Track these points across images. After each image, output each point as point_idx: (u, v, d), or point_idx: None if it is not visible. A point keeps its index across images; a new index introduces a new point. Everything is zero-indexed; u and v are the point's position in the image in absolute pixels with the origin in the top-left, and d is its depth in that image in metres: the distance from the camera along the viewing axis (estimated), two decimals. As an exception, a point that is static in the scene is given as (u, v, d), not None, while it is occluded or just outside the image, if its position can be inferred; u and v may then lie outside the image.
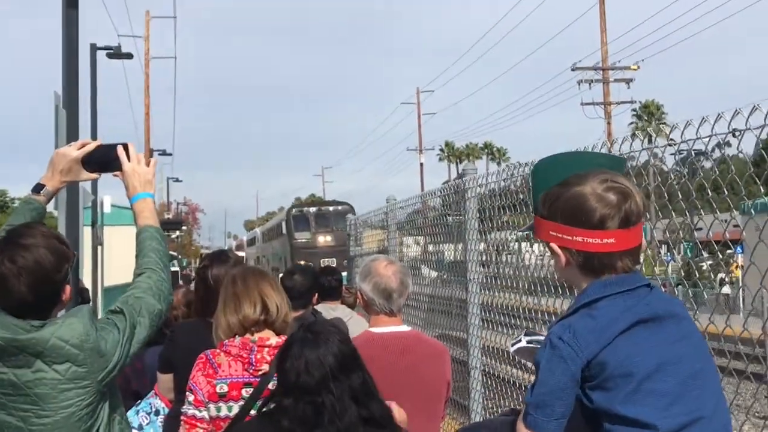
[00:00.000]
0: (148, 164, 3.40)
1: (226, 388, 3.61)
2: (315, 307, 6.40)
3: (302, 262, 33.40)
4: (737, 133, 3.63)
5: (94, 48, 21.81)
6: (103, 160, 3.37)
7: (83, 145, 3.40)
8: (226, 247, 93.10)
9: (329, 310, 6.44)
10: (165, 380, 4.64)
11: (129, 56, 25.23)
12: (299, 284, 5.81)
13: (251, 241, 70.07)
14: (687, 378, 2.22)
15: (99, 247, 21.37)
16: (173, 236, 72.34)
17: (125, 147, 3.37)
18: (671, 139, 4.10)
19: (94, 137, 20.94)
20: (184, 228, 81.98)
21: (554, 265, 2.46)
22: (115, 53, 23.96)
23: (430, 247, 9.27)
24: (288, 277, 5.89)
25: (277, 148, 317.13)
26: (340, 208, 40.89)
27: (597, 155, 2.87)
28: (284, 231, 42.55)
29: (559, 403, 2.25)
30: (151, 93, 46.65)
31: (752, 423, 12.65)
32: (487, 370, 6.50)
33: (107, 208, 20.94)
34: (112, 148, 3.36)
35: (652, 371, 2.19)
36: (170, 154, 50.49)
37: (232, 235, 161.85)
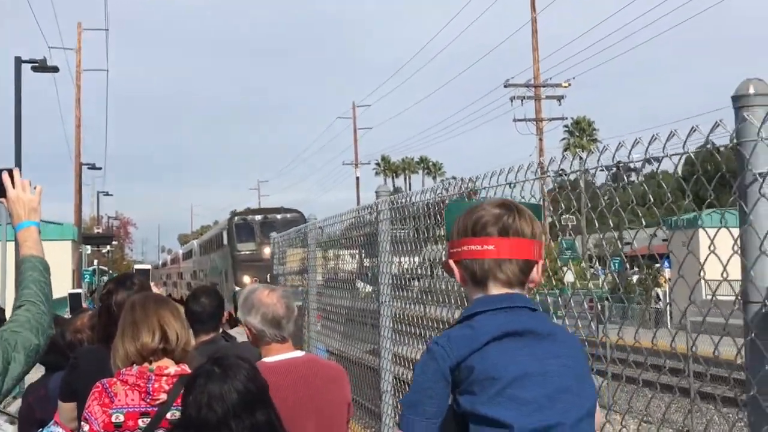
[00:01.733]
0: (34, 191, 3.28)
1: (122, 418, 3.52)
2: (232, 329, 6.26)
3: (247, 278, 31.42)
4: (653, 161, 3.69)
5: (19, 61, 21.39)
6: None
7: None
8: (160, 262, 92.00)
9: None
10: (67, 409, 4.39)
11: (55, 69, 24.62)
12: (206, 306, 5.58)
13: (187, 254, 64.15)
14: (554, 392, 2.25)
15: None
16: (104, 251, 71.34)
17: (10, 173, 3.25)
18: (602, 167, 4.13)
19: (18, 153, 20.51)
20: (114, 242, 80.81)
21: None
22: (41, 66, 23.39)
23: (366, 262, 9.24)
24: (193, 300, 5.63)
25: (213, 162, 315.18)
26: (288, 216, 36.44)
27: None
28: (225, 242, 38.06)
29: (429, 402, 2.32)
30: (82, 106, 45.94)
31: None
32: (399, 376, 6.52)
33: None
34: None
35: (517, 378, 2.24)
36: (99, 168, 49.63)
37: (166, 249, 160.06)
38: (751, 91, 2.69)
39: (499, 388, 2.23)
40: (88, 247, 52.10)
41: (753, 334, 2.68)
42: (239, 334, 6.16)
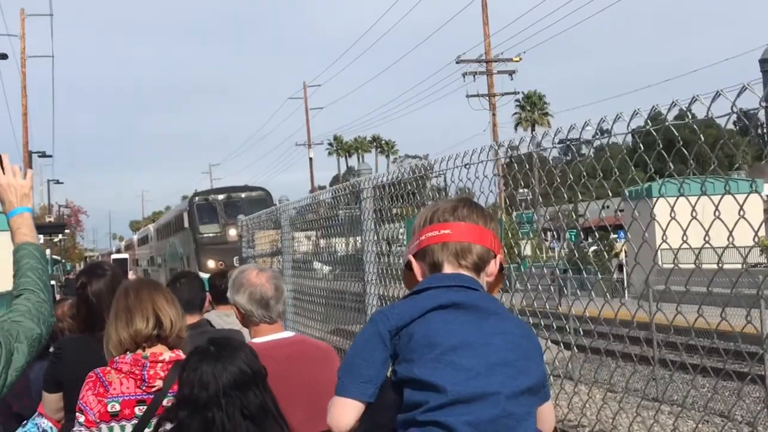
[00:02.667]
0: (25, 176, 3.22)
1: (118, 407, 3.50)
2: (208, 314, 6.23)
3: (212, 263, 29.94)
4: (604, 134, 3.77)
5: (-36, 49, 20.96)
6: None
7: None
8: (113, 249, 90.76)
9: (223, 316, 6.20)
10: (52, 400, 4.37)
11: (4, 57, 24.31)
12: (189, 290, 5.55)
13: (143, 240, 61.47)
14: (495, 363, 2.26)
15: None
16: (56, 240, 70.36)
17: None
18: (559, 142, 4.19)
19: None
20: (67, 231, 79.70)
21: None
22: (-11, 54, 23.03)
23: (322, 242, 9.24)
24: (174, 284, 5.60)
25: (163, 147, 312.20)
26: (254, 194, 34.12)
27: None
28: (186, 224, 35.04)
29: (365, 364, 2.32)
30: (29, 93, 45.15)
31: (643, 405, 13.08)
32: None
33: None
34: None
35: (457, 346, 2.26)
36: (50, 156, 48.91)
37: (117, 237, 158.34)
38: None
39: (438, 353, 2.24)
40: (41, 236, 51.21)
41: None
42: (218, 316, 6.16)
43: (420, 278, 2.46)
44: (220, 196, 34.71)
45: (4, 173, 3.15)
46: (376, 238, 6.40)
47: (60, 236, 69.88)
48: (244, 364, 3.21)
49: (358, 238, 7.22)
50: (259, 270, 4.21)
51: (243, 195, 33.87)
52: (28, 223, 3.12)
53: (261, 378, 3.27)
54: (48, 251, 61.15)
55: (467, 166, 4.77)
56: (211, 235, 33.42)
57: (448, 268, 2.41)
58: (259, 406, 3.19)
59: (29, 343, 2.83)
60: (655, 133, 3.58)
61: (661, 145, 3.60)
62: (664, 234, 3.48)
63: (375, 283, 6.40)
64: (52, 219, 69.22)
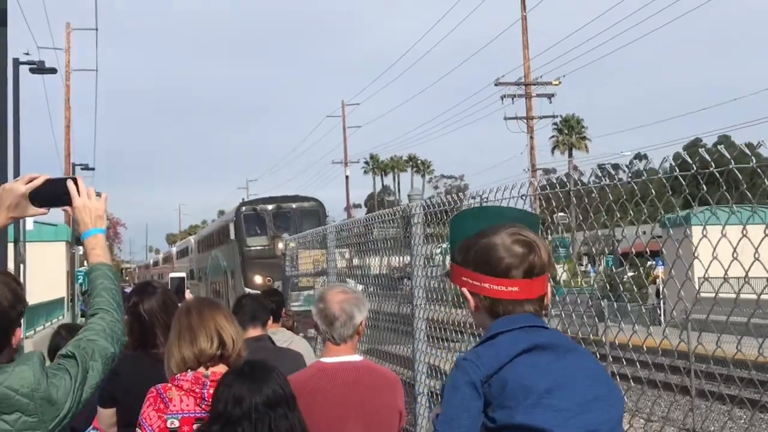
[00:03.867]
0: (98, 198, 3.30)
1: (177, 423, 3.56)
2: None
3: (259, 278, 27.48)
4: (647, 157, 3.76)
5: (16, 63, 21.21)
6: (52, 194, 3.25)
7: (31, 180, 3.25)
8: (150, 262, 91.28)
9: (270, 334, 6.24)
10: (107, 415, 4.45)
11: (53, 71, 24.64)
12: (251, 305, 5.78)
13: (182, 252, 58.46)
14: (588, 401, 2.33)
15: (21, 265, 20.86)
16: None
17: (75, 181, 3.27)
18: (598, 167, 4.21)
19: (17, 156, 20.47)
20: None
21: (466, 308, 2.62)
22: (39, 68, 23.38)
23: (356, 261, 9.26)
24: (239, 302, 5.86)
25: (201, 161, 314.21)
26: (306, 204, 31.53)
27: (513, 210, 3.01)
28: (232, 236, 32.04)
29: (464, 415, 2.33)
30: (72, 106, 45.81)
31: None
32: (431, 387, 6.56)
33: (29, 225, 20.45)
34: (61, 182, 3.25)
35: (551, 388, 2.30)
36: (92, 169, 49.41)
37: (154, 249, 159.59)
38: None
39: (535, 398, 2.28)
40: (80, 248, 51.87)
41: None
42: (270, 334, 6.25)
43: (473, 307, 2.51)
44: (270, 207, 31.72)
45: (79, 195, 3.24)
46: (425, 263, 6.44)
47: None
48: (277, 386, 3.32)
49: (397, 258, 7.31)
50: (343, 291, 4.26)
51: (294, 205, 31.30)
52: (102, 244, 3.22)
53: (292, 400, 3.36)
54: (86, 262, 61.60)
55: (515, 198, 4.93)
56: (258, 248, 30.33)
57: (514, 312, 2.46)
58: (288, 427, 3.28)
59: (103, 361, 2.93)
60: (689, 159, 3.57)
61: (695, 169, 3.57)
62: (706, 267, 3.46)
63: (423, 308, 6.45)
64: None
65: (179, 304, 4.36)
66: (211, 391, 3.56)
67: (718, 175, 3.52)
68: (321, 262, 10.14)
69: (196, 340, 3.67)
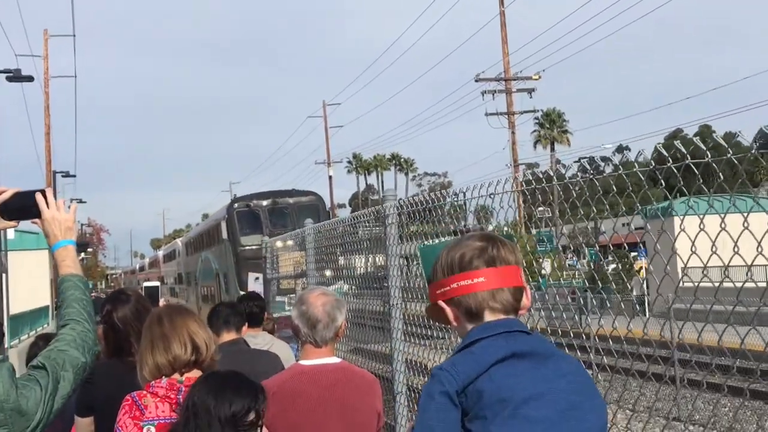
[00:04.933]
0: (68, 210, 3.29)
1: (153, 430, 3.55)
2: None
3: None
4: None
5: (-7, 72, 21.19)
6: (21, 207, 3.23)
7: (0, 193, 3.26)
8: (136, 267, 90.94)
9: (250, 338, 6.32)
10: (84, 424, 4.46)
11: (30, 79, 24.49)
12: (224, 310, 5.82)
13: (169, 256, 55.90)
14: (565, 409, 2.28)
15: (3, 275, 20.73)
16: (79, 258, 70.67)
17: (43, 193, 3.25)
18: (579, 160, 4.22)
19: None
20: (89, 250, 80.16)
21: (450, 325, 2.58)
22: (15, 76, 23.22)
23: (342, 260, 9.24)
24: (214, 310, 5.88)
25: (183, 166, 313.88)
26: (304, 199, 29.06)
27: None
28: (224, 235, 29.26)
29: (440, 426, 2.30)
30: (51, 113, 45.57)
31: (668, 425, 12.99)
32: (410, 383, 6.56)
33: (11, 234, 20.29)
34: (30, 195, 3.23)
35: (527, 398, 2.26)
36: (73, 176, 49.22)
37: (139, 255, 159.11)
38: None
39: (512, 409, 2.24)
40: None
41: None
42: (246, 338, 6.25)
43: (454, 321, 2.48)
44: (265, 202, 28.80)
45: (48, 207, 3.22)
46: (400, 263, 6.42)
47: (83, 255, 70.34)
48: (246, 393, 3.32)
49: (379, 257, 7.26)
50: (324, 293, 4.25)
51: (291, 200, 28.64)
52: (72, 256, 3.21)
53: (259, 410, 3.37)
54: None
55: (492, 196, 4.90)
56: (254, 247, 25.51)
57: (488, 316, 2.43)
58: None
59: (75, 371, 2.91)
60: (665, 151, 3.58)
61: (671, 162, 3.59)
62: (684, 256, 3.48)
63: (400, 307, 6.44)
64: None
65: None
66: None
67: (693, 167, 3.53)
68: (301, 264, 10.07)
69: (170, 347, 3.68)
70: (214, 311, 5.86)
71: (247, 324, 6.50)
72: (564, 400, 2.29)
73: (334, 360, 4.19)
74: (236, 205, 29.23)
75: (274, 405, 3.74)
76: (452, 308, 2.47)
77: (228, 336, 5.62)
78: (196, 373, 3.68)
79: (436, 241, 5.47)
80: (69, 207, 3.30)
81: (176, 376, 3.67)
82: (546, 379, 2.31)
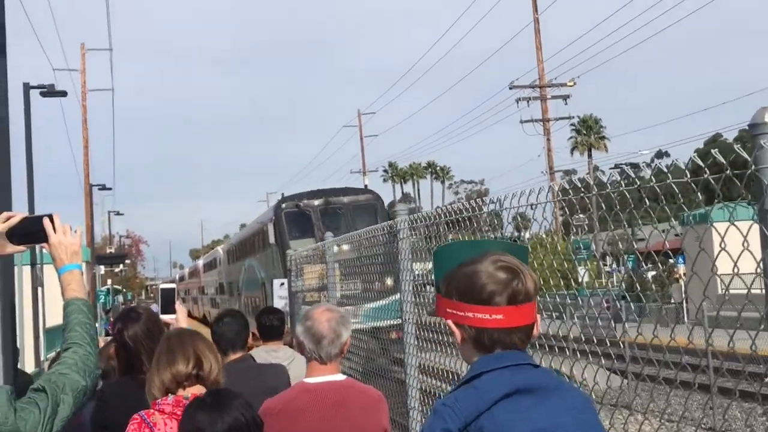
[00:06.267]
0: (74, 235, 3.35)
1: None
2: (256, 350, 6.29)
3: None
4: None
5: (27, 87, 21.34)
6: (29, 232, 3.30)
7: (8, 218, 3.30)
8: (176, 276, 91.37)
9: (271, 351, 6.27)
10: None
11: (63, 94, 24.61)
12: (233, 326, 5.69)
13: (210, 265, 53.47)
14: None
15: (39, 288, 20.93)
16: (117, 270, 71.50)
17: (51, 218, 3.31)
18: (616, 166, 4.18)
19: (30, 179, 20.55)
20: (127, 261, 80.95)
21: (454, 341, 2.54)
22: (49, 92, 23.41)
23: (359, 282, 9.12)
24: (219, 322, 5.76)
25: (220, 177, 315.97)
26: (361, 198, 25.95)
27: (500, 243, 2.95)
28: (272, 239, 25.67)
29: None
30: (89, 126, 46.16)
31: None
32: (424, 387, 6.55)
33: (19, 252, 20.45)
34: (38, 220, 3.30)
35: None
36: (110, 189, 49.69)
37: (178, 265, 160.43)
38: (767, 119, 2.78)
39: None
40: (102, 267, 52.11)
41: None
42: (266, 352, 6.22)
43: (460, 341, 2.44)
44: (317, 201, 25.49)
45: (55, 232, 3.28)
46: (412, 277, 6.35)
47: (121, 266, 71.02)
48: (239, 414, 3.33)
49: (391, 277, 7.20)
50: (329, 309, 4.21)
51: (346, 200, 25.46)
52: (78, 280, 3.26)
53: (255, 428, 3.38)
54: (109, 281, 62.13)
55: (533, 207, 4.82)
56: (305, 253, 24.36)
57: (498, 349, 2.39)
58: None
59: (74, 395, 2.95)
60: (700, 161, 3.53)
61: (708, 172, 3.54)
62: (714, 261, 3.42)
63: (412, 322, 6.40)
64: (113, 250, 70.44)
65: (163, 328, 4.42)
66: None
67: (736, 179, 3.48)
68: (323, 276, 9.94)
69: (174, 361, 3.72)
70: (217, 327, 5.76)
71: (263, 337, 6.47)
72: None
73: (340, 377, 4.14)
74: (284, 205, 25.78)
75: (279, 424, 3.71)
76: (461, 331, 2.42)
77: (234, 355, 5.60)
78: (200, 389, 3.70)
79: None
80: (75, 232, 3.35)
81: (182, 392, 3.69)
82: (549, 415, 2.27)
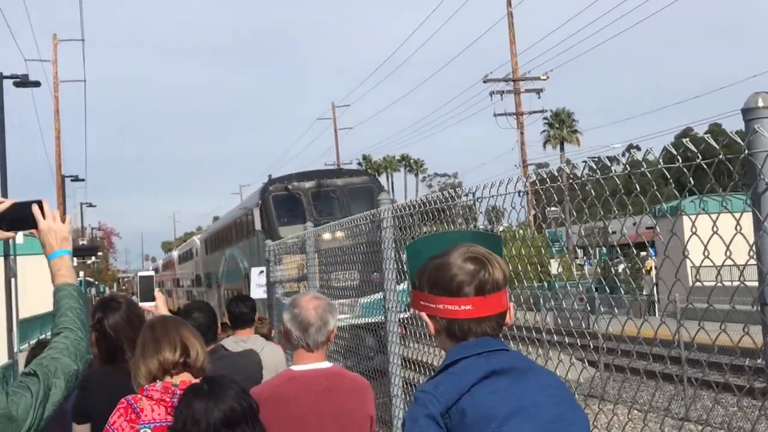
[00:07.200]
0: (63, 221, 3.36)
1: None
2: (224, 340, 6.28)
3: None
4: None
5: (0, 77, 21.20)
6: (18, 218, 3.31)
7: None
8: (150, 268, 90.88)
9: (240, 342, 6.26)
10: (81, 431, 4.48)
11: (37, 84, 24.46)
12: (201, 320, 5.65)
13: (185, 256, 50.71)
14: (547, 422, 2.30)
15: (12, 279, 20.76)
16: (89, 262, 70.97)
17: (40, 204, 3.32)
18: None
19: (3, 169, 20.36)
20: (99, 253, 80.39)
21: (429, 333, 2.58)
22: (22, 82, 23.23)
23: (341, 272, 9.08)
24: (187, 315, 5.70)
25: (193, 169, 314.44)
26: (356, 180, 23.70)
27: (474, 234, 2.98)
28: (258, 225, 23.02)
29: None
30: (61, 117, 45.78)
31: (671, 424, 12.99)
32: (407, 377, 6.57)
33: (19, 239, 20.28)
34: (27, 205, 3.31)
35: (510, 414, 2.27)
36: (83, 180, 49.35)
37: (150, 257, 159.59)
38: (760, 104, 2.82)
39: (495, 426, 2.25)
40: (74, 259, 51.49)
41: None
42: (236, 342, 6.23)
43: (434, 333, 2.49)
44: (308, 184, 23.10)
45: (44, 218, 3.29)
46: (396, 266, 6.37)
47: (93, 258, 70.50)
48: (235, 402, 3.37)
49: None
50: (316, 297, 4.22)
51: (339, 182, 23.19)
52: (68, 265, 3.29)
53: (252, 414, 3.41)
54: (81, 273, 61.68)
55: (501, 196, 4.87)
56: (295, 240, 20.14)
57: (470, 337, 2.43)
58: None
59: (66, 378, 2.97)
60: (674, 150, 3.58)
61: (680, 160, 3.58)
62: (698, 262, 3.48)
63: (395, 311, 6.42)
64: (85, 241, 69.93)
65: (144, 317, 4.42)
66: None
67: (705, 166, 3.52)
68: (303, 267, 9.87)
69: (161, 349, 3.73)
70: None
71: (233, 325, 6.47)
72: (545, 413, 2.31)
73: (327, 365, 4.16)
74: (272, 188, 23.23)
75: (267, 411, 3.74)
76: (434, 323, 2.47)
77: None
78: (187, 377, 3.72)
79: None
80: (64, 218, 3.37)
81: (170, 379, 3.71)
82: (527, 394, 2.32)
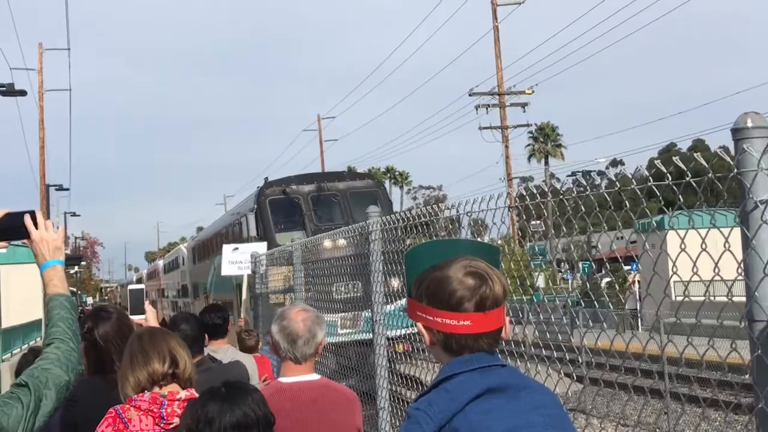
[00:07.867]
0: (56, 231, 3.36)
1: None
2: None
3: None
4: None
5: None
6: (10, 228, 3.30)
7: None
8: (134, 280, 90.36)
9: (211, 352, 6.23)
10: None
11: (23, 93, 24.45)
12: (188, 331, 5.60)
13: (171, 265, 48.60)
14: None
15: (-5, 289, 20.63)
16: (72, 272, 70.59)
17: (32, 214, 3.32)
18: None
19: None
20: (83, 263, 79.99)
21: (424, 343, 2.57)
22: (9, 91, 23.22)
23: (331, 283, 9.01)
24: (174, 327, 5.61)
25: (178, 179, 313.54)
26: (359, 184, 21.94)
27: (471, 242, 3.00)
28: (253, 232, 20.92)
29: None
30: (45, 126, 45.51)
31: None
32: (394, 389, 6.55)
33: (2, 248, 20.10)
34: (19, 216, 3.30)
35: None
36: (67, 189, 49.07)
37: (133, 268, 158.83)
38: (749, 124, 2.85)
39: None
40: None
41: (759, 351, 2.81)
42: (212, 351, 6.18)
43: (428, 343, 2.46)
44: (307, 187, 21.34)
45: (37, 228, 3.29)
46: (383, 279, 6.35)
47: (76, 268, 70.13)
48: (250, 409, 3.34)
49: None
50: (305, 309, 4.22)
51: (341, 185, 21.43)
52: (60, 275, 3.28)
53: (266, 424, 3.37)
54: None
55: (484, 212, 4.88)
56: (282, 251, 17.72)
57: (467, 351, 2.41)
58: None
59: (57, 389, 2.96)
60: (662, 167, 3.59)
61: (670, 178, 3.59)
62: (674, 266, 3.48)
63: (383, 323, 6.42)
64: (68, 251, 69.55)
65: (134, 328, 4.39)
66: (169, 410, 3.62)
67: (695, 184, 3.53)
68: (289, 278, 9.79)
69: (149, 360, 3.71)
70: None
71: (208, 337, 6.33)
72: None
73: (314, 377, 4.16)
74: (268, 191, 21.44)
75: None
76: (430, 334, 2.44)
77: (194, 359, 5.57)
78: (175, 387, 3.71)
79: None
80: (57, 228, 3.37)
81: (158, 390, 3.69)
82: (520, 413, 2.30)
